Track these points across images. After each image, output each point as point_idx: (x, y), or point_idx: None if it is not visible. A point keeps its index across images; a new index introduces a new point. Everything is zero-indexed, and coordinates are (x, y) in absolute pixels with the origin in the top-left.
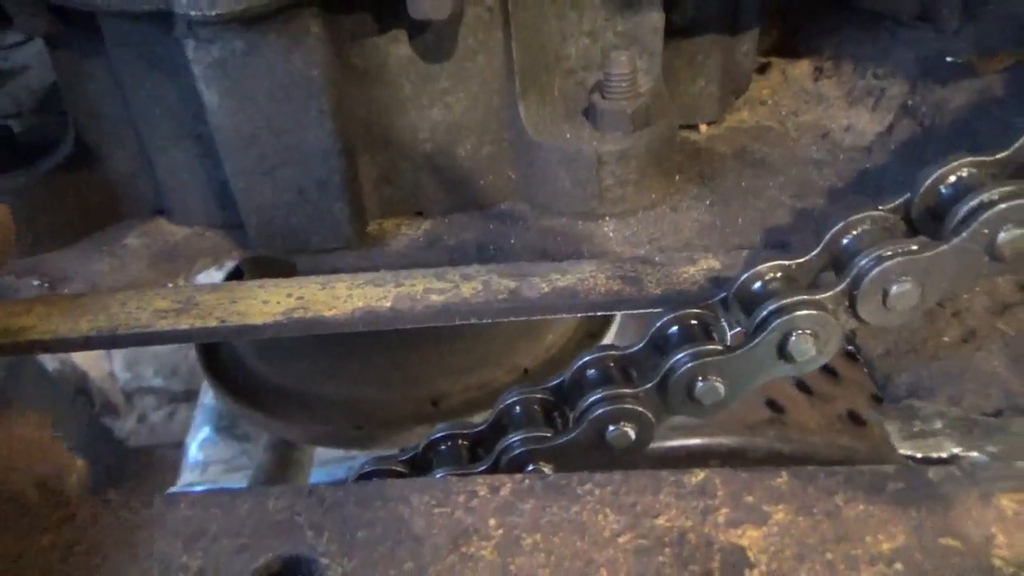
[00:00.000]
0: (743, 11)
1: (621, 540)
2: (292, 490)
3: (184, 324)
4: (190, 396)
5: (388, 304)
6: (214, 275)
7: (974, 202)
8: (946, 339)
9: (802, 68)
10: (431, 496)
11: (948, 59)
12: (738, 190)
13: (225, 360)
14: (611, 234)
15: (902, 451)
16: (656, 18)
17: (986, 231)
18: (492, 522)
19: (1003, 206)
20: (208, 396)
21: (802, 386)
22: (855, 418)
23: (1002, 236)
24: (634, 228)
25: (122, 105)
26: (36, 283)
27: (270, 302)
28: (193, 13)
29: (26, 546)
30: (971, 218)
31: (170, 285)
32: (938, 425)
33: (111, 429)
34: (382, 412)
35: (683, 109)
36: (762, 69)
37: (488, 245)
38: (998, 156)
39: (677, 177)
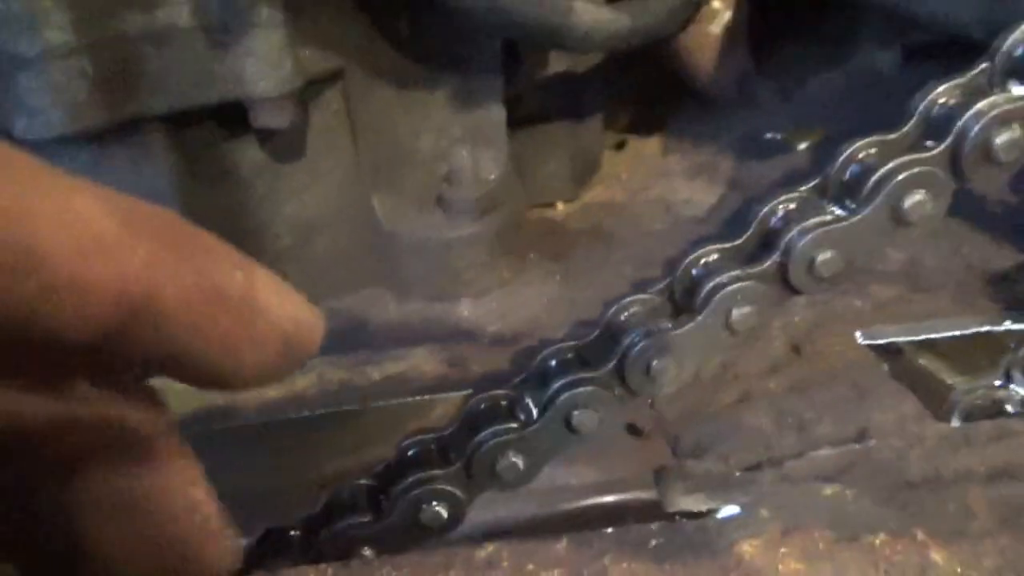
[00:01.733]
0: (587, 100)
1: None
2: None
3: None
4: None
5: (220, 402)
6: None
7: (711, 284)
8: (725, 400)
9: (652, 145)
10: None
11: (767, 136)
12: (586, 265)
13: None
14: (466, 313)
15: (670, 508)
16: (497, 113)
17: (722, 309)
18: None
19: (731, 288)
20: None
21: None
22: None
23: (735, 313)
24: (488, 307)
25: None
26: None
27: None
28: (30, 137)
29: None
30: (710, 298)
31: None
32: (704, 481)
33: None
34: (270, 502)
35: (539, 190)
36: (620, 146)
37: (349, 331)
38: (736, 243)
39: (532, 255)
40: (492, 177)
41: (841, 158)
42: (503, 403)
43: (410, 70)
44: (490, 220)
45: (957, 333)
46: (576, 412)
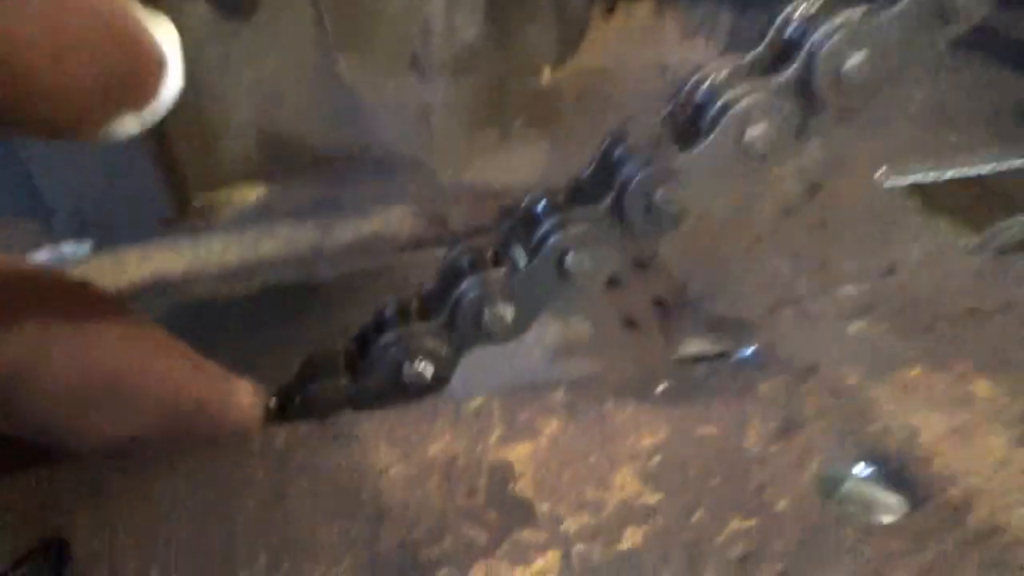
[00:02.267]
0: None
1: (391, 472)
2: (32, 476)
3: None
4: None
5: (182, 269)
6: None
7: (722, 101)
8: (736, 243)
9: (644, 8)
10: (197, 457)
11: None
12: (577, 130)
13: None
14: (446, 182)
15: (681, 352)
16: None
17: (736, 128)
18: (261, 475)
19: (745, 102)
20: None
21: None
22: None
23: (750, 132)
24: (470, 174)
25: None
26: None
27: None
28: None
29: None
30: (721, 116)
31: None
32: (715, 324)
33: None
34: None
35: (522, 55)
36: (609, 11)
37: (324, 204)
38: (747, 59)
39: (517, 122)
40: (469, 35)
41: None
42: (487, 252)
43: None
44: (469, 82)
45: (987, 168)
46: (570, 254)
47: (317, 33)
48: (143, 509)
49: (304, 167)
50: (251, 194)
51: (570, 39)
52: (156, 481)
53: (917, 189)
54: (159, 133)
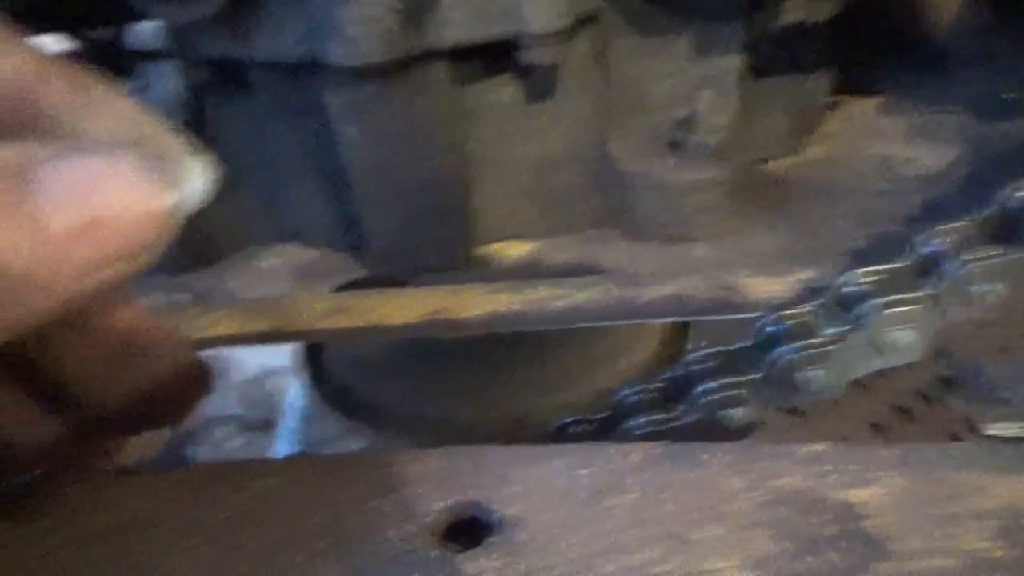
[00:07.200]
0: (811, 54)
1: (745, 495)
2: (444, 452)
3: (341, 323)
4: (267, 426)
5: (516, 308)
6: None
7: None
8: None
9: (867, 105)
10: (571, 459)
11: (1003, 96)
12: (809, 217)
13: (327, 379)
14: (701, 255)
15: (987, 432)
16: (733, 60)
17: None
18: (628, 480)
19: None
20: (290, 420)
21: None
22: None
23: None
24: (721, 251)
25: (256, 141)
26: (185, 297)
27: (405, 308)
28: (346, 63)
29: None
30: None
31: None
32: (1016, 413)
33: (185, 457)
34: (470, 432)
35: (759, 144)
36: (833, 106)
37: (582, 266)
38: None
39: (754, 206)
40: (725, 124)
41: None
42: (795, 321)
43: (657, 15)
44: (723, 167)
45: None
46: (889, 331)
47: (595, 116)
48: (538, 485)
49: (565, 231)
50: (521, 249)
51: (802, 130)
52: (548, 465)
53: None
54: (464, 189)
